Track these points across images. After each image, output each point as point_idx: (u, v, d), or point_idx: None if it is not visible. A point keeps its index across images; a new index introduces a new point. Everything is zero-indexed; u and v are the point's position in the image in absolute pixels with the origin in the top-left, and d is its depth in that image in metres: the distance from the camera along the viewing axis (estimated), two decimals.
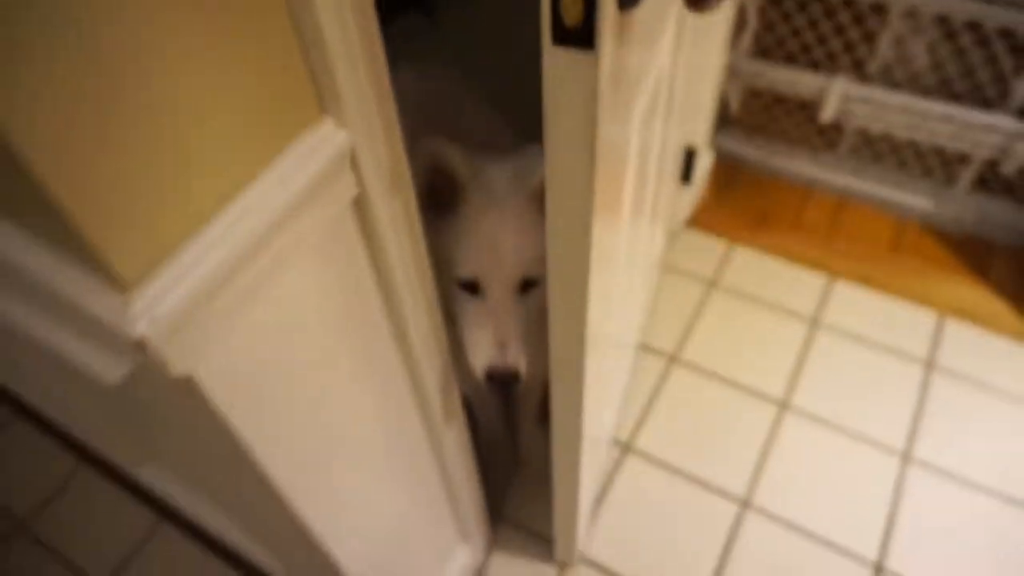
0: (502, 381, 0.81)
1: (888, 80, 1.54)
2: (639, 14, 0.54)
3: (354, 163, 0.54)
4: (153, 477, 1.12)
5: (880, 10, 1.43)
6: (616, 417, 1.40)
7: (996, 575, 1.20)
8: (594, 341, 0.77)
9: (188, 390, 0.48)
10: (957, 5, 1.33)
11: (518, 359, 0.81)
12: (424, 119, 0.92)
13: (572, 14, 0.43)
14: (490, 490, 1.25)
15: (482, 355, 0.82)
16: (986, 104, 1.47)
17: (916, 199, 1.68)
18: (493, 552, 1.27)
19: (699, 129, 1.54)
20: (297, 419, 0.60)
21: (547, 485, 1.08)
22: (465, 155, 0.80)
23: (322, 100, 0.50)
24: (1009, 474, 1.31)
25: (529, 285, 0.84)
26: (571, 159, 0.54)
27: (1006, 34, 1.36)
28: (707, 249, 1.70)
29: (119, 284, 0.41)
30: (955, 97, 1.49)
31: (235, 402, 0.52)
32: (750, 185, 1.82)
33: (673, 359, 1.51)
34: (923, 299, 1.57)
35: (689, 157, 1.58)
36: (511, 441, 1.37)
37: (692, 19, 1.23)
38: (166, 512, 1.34)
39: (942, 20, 1.39)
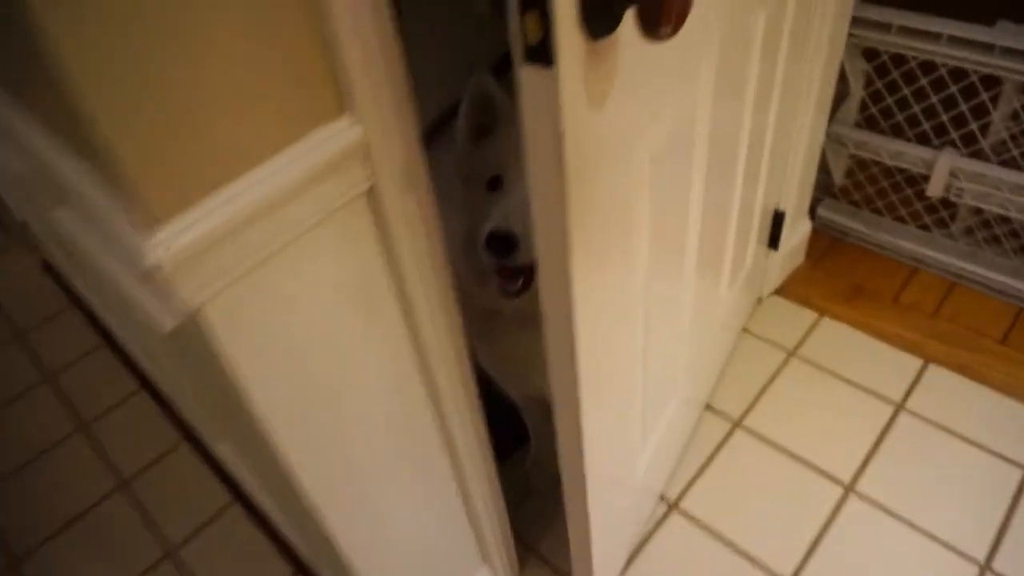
0: (501, 242, 0.90)
1: (1003, 157, 1.45)
2: (627, 48, 0.60)
3: (368, 157, 0.63)
4: (227, 455, 1.25)
5: (993, 83, 1.37)
6: (664, 472, 1.37)
7: None
8: (590, 377, 0.80)
9: (196, 327, 0.58)
10: None
11: (517, 226, 0.89)
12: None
13: (532, 33, 0.49)
14: (529, 518, 1.27)
15: (488, 225, 0.92)
16: None
17: None
18: None
19: (789, 193, 1.52)
20: (297, 380, 0.68)
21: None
22: (501, 89, 0.99)
23: (341, 99, 0.60)
24: None
25: None
26: (544, 175, 0.60)
27: None
28: (793, 318, 1.65)
29: (150, 219, 0.51)
30: None
31: (239, 348, 0.61)
32: (850, 259, 1.75)
33: (738, 424, 1.47)
34: None
35: (777, 222, 1.56)
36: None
37: (778, 78, 1.25)
38: (238, 493, 1.48)
39: None
